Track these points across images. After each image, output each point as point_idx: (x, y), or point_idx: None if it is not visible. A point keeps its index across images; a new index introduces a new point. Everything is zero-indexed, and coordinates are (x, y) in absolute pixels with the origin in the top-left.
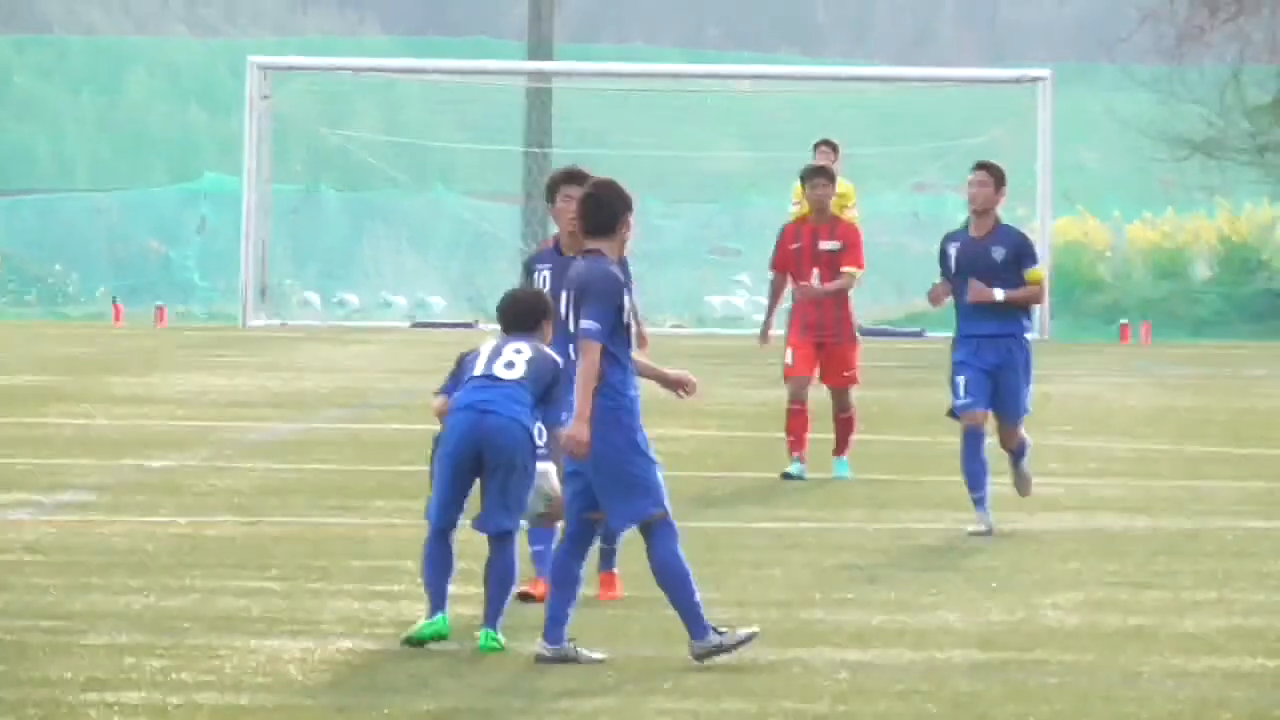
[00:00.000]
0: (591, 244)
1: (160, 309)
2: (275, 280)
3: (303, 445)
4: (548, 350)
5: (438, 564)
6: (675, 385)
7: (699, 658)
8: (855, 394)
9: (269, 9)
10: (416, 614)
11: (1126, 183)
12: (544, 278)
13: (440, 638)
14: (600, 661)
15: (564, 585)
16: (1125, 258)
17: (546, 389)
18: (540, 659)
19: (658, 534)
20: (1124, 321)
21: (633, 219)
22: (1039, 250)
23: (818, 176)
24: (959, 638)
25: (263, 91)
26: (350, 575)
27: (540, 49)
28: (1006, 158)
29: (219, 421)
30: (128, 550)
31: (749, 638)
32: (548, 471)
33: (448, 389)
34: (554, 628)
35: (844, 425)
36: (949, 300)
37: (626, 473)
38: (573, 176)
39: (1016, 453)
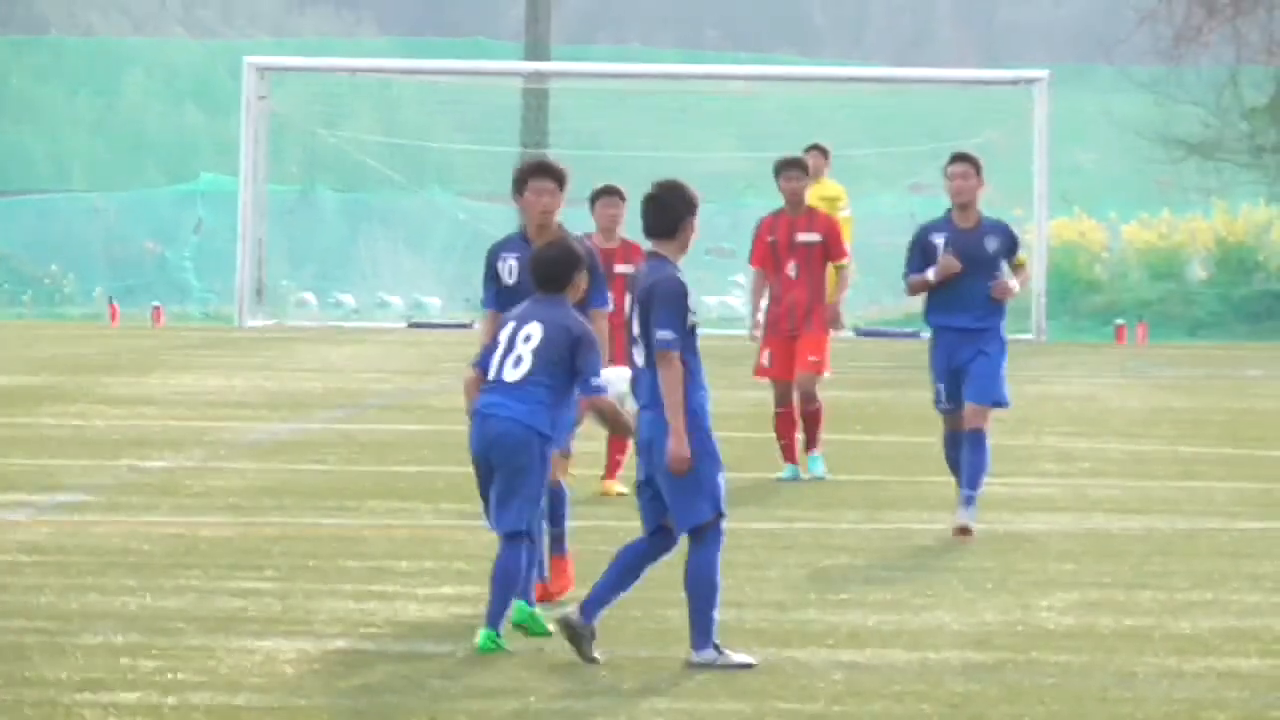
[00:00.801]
0: (654, 247)
1: (157, 309)
2: (272, 281)
3: (299, 446)
4: (562, 319)
5: None
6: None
7: (691, 665)
8: (822, 385)
9: (266, 10)
10: (412, 614)
11: (1123, 184)
12: (510, 267)
13: (517, 624)
14: (595, 661)
15: (624, 575)
16: (1121, 259)
17: (569, 362)
18: (564, 622)
19: (705, 539)
20: (1120, 322)
21: (697, 221)
22: (1035, 252)
23: (791, 168)
24: (954, 638)
25: (259, 92)
26: (346, 576)
27: (537, 50)
28: (1003, 159)
29: (215, 422)
30: (123, 551)
31: (745, 666)
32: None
33: (480, 361)
34: (594, 606)
35: (811, 418)
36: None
37: (691, 476)
38: (541, 169)
39: (971, 477)
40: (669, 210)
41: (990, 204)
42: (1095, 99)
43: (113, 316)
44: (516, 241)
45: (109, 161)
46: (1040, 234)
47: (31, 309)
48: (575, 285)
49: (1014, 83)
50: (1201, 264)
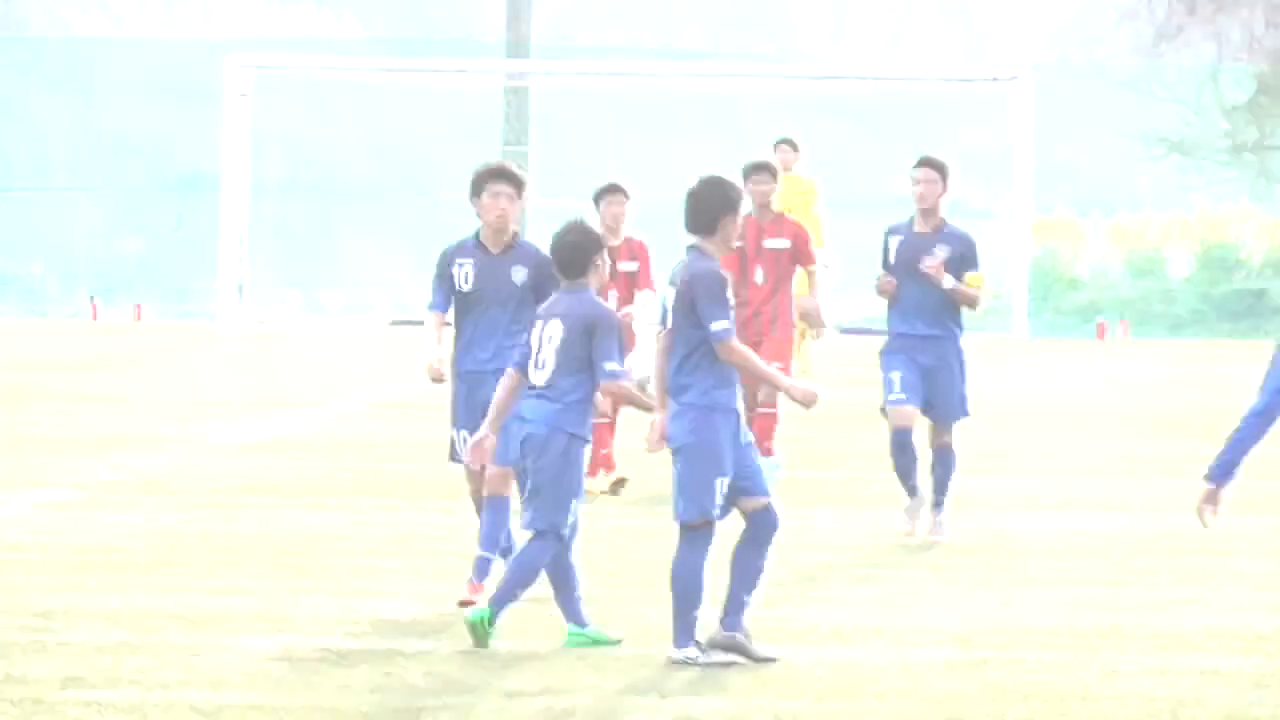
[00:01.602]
0: (694, 242)
1: (138, 307)
2: (254, 279)
3: (281, 443)
4: (580, 309)
5: (554, 579)
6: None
7: (673, 662)
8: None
9: (248, 8)
10: (395, 612)
11: (1104, 181)
12: (466, 273)
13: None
14: (770, 659)
15: (741, 574)
16: (1102, 256)
17: (588, 349)
18: (715, 644)
19: (691, 540)
20: (1101, 319)
21: (738, 217)
22: (1017, 249)
23: (760, 172)
24: (937, 636)
25: (241, 90)
26: (329, 574)
27: (518, 49)
28: (985, 156)
29: (197, 420)
30: (106, 548)
31: (726, 663)
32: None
33: (519, 362)
34: (733, 617)
35: (764, 423)
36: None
37: (690, 472)
38: (498, 173)
39: (939, 484)
40: (707, 208)
41: (972, 202)
42: (1076, 96)
43: (94, 314)
44: (471, 246)
45: (90, 160)
46: (1021, 231)
47: (13, 307)
48: (597, 268)
49: (995, 79)
50: (1182, 261)
